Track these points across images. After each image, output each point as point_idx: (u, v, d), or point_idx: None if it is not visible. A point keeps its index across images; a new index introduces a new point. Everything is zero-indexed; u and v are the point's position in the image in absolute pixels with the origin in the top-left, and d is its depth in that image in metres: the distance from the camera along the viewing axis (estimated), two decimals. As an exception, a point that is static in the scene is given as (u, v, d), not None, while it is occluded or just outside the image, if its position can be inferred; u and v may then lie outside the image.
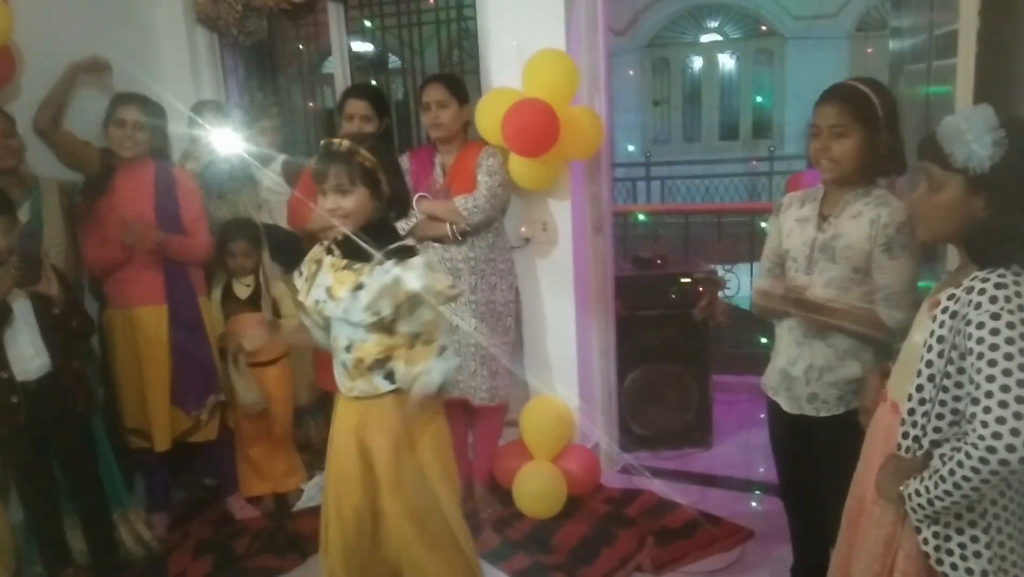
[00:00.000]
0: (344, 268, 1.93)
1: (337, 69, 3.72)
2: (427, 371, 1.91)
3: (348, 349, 1.96)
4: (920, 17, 2.69)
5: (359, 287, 1.88)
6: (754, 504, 3.15)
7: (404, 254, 1.92)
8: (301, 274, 2.04)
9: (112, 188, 2.89)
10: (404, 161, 3.01)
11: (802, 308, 2.01)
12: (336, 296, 1.91)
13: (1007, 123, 1.37)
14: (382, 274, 1.87)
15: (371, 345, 1.94)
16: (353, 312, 1.89)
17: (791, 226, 2.14)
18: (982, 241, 1.41)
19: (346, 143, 1.89)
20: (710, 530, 2.89)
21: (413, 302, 1.88)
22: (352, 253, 1.94)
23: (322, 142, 1.96)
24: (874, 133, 1.93)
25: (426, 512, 2.02)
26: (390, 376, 1.96)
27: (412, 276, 1.86)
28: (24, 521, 2.67)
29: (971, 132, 1.38)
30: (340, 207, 1.88)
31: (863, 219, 1.96)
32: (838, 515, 1.76)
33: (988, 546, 1.42)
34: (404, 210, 2.09)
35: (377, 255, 1.90)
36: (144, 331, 2.93)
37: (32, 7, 2.96)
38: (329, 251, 2.00)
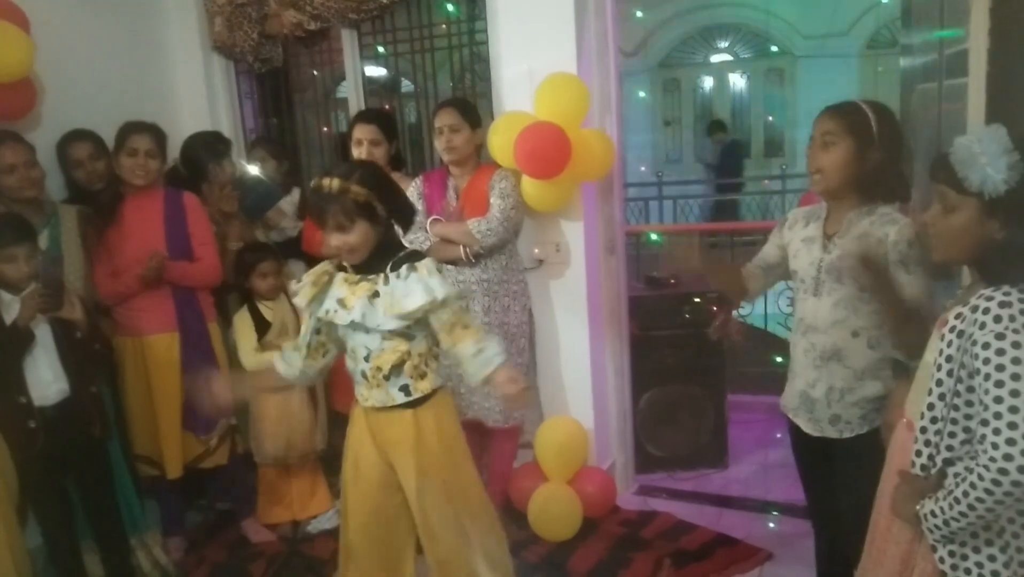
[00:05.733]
0: (358, 282, 2.01)
1: (351, 94, 3.77)
2: (483, 348, 1.96)
3: (367, 358, 2.03)
4: (931, 36, 2.69)
5: (375, 295, 1.96)
6: (772, 525, 3.12)
7: (413, 259, 1.99)
8: (302, 281, 2.08)
9: (122, 217, 2.91)
10: (418, 184, 3.05)
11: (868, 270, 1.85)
12: (349, 305, 1.98)
13: (1021, 144, 1.35)
14: (396, 280, 1.94)
15: (388, 353, 2.02)
16: (372, 318, 1.96)
17: (797, 246, 2.13)
18: (997, 262, 1.40)
19: (336, 183, 1.91)
20: (728, 552, 2.87)
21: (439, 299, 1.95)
22: (364, 269, 2.02)
23: (312, 184, 2.00)
24: (865, 148, 1.93)
25: (465, 515, 2.17)
26: (405, 389, 2.04)
27: (425, 275, 1.93)
28: (42, 546, 2.67)
29: (985, 155, 1.36)
30: (345, 243, 1.95)
31: (870, 239, 1.94)
32: (862, 536, 1.75)
33: (1007, 565, 1.40)
34: (409, 222, 2.17)
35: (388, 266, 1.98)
36: (156, 359, 2.94)
37: (51, 37, 3.02)
38: (341, 268, 2.07)
